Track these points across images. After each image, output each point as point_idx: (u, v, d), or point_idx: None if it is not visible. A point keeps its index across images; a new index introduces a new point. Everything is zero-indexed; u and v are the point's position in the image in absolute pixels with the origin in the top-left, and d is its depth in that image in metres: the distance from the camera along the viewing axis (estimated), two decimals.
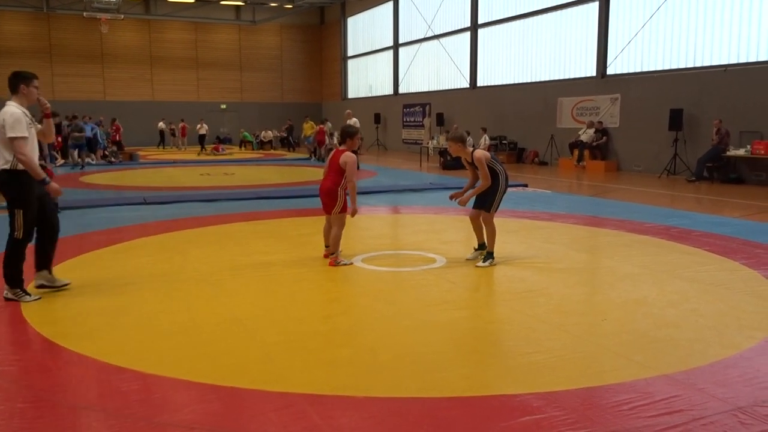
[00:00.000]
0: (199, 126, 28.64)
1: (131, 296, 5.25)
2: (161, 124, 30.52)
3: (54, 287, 5.33)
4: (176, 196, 11.69)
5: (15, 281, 5.06)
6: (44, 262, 5.30)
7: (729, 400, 3.25)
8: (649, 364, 3.74)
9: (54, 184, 5.11)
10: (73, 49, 32.37)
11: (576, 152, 18.21)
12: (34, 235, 5.15)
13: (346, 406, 3.21)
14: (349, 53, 34.99)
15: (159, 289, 5.46)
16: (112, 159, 21.45)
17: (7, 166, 4.86)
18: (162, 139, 30.66)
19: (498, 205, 6.45)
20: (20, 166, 4.87)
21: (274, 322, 4.59)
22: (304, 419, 3.07)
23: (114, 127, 24.75)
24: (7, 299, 5.01)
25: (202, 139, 28.06)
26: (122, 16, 30.29)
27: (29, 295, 5.08)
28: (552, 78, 20.29)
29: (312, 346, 4.08)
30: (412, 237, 8.10)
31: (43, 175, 4.99)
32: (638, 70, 17.18)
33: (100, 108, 29.94)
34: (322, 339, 4.23)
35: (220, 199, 11.48)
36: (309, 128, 25.44)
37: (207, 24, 34.85)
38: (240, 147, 31.46)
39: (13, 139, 4.79)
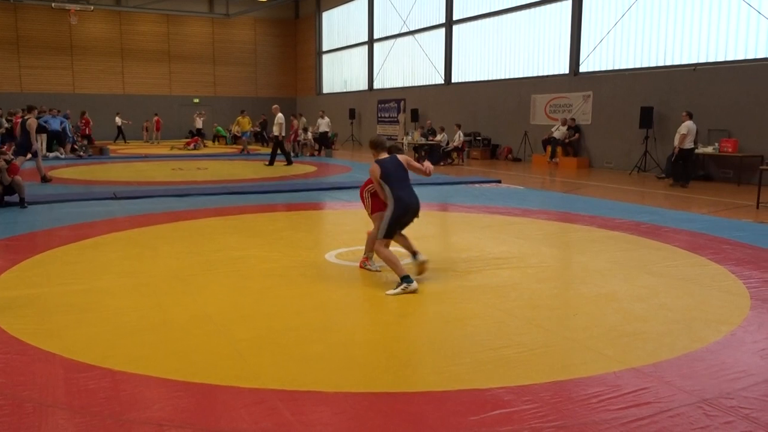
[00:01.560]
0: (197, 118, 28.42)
1: (99, 293, 5.16)
2: (117, 119, 29.87)
3: None
4: (147, 191, 11.53)
5: None
6: None
7: (695, 392, 3.31)
8: (618, 358, 3.79)
9: None
10: (41, 40, 31.64)
11: (549, 149, 18.39)
12: None
13: (317, 402, 3.20)
14: (324, 48, 34.83)
15: (128, 286, 5.38)
16: (82, 153, 21.05)
17: None
18: (120, 134, 29.97)
19: (388, 232, 5.41)
20: None
21: (246, 318, 4.55)
22: (276, 415, 3.05)
23: (83, 121, 24.28)
24: None
25: (198, 133, 27.77)
26: (92, 8, 29.74)
27: None
28: (526, 75, 20.44)
29: (284, 342, 4.05)
30: None
31: None
32: (610, 68, 17.40)
33: (69, 101, 29.38)
34: (294, 335, 4.21)
35: (192, 194, 11.35)
36: (246, 123, 25.21)
37: (179, 16, 34.36)
38: (213, 141, 31.14)
39: None
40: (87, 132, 24.21)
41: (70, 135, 21.34)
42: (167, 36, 34.50)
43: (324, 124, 22.62)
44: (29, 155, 12.48)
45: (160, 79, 34.62)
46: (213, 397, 3.25)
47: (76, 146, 21.34)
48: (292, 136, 21.98)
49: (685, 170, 13.13)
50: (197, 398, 3.23)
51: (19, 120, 15.23)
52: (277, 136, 17.60)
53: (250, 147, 21.01)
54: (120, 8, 32.54)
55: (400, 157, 5.57)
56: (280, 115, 17.63)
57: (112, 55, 33.39)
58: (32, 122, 12.73)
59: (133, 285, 5.39)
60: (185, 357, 3.80)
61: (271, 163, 17.48)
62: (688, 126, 13.01)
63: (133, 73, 33.94)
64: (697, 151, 14.06)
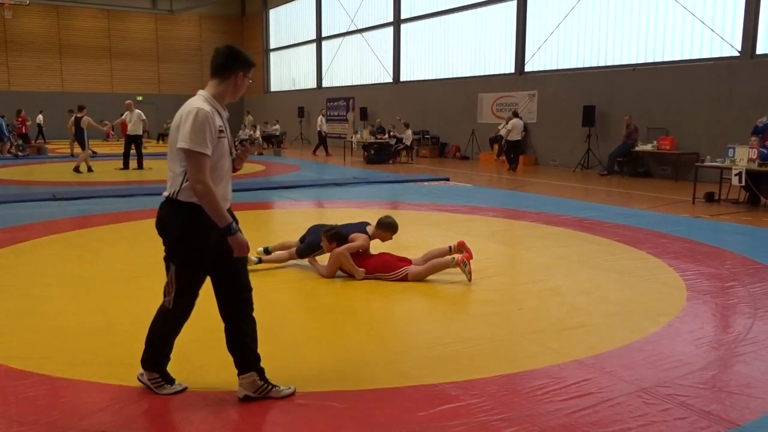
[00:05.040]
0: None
1: (38, 298, 4.98)
2: (40, 117, 28.60)
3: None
4: (88, 192, 11.18)
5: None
6: None
7: (634, 381, 3.42)
8: (562, 351, 3.89)
9: None
10: None
11: (496, 147, 18.68)
12: None
13: (265, 403, 3.17)
14: (272, 45, 34.46)
15: (68, 290, 5.21)
16: (19, 153, 20.26)
17: None
18: (40, 133, 28.66)
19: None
20: None
21: (192, 320, 4.44)
22: (223, 417, 3.02)
23: (20, 119, 23.37)
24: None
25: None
26: (27, 1, 28.60)
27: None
28: (473, 74, 20.71)
29: None
30: None
31: None
32: (554, 67, 17.80)
33: (3, 99, 28.21)
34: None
35: (137, 194, 11.06)
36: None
37: (120, 12, 33.45)
38: (158, 141, 30.43)
39: None
40: (24, 131, 23.32)
41: (7, 134, 20.50)
42: (108, 32, 33.54)
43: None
44: None
45: (101, 77, 33.62)
46: (158, 401, 3.18)
47: (12, 146, 20.50)
48: None
49: (515, 157, 16.59)
50: (141, 403, 3.16)
51: None
52: (140, 135, 15.98)
53: None
54: (57, 2, 31.42)
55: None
56: (138, 112, 15.87)
57: (50, 51, 32.26)
58: None
59: (73, 289, 5.23)
60: (128, 361, 3.69)
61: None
62: (513, 123, 16.51)
63: (73, 71, 32.88)
64: (636, 148, 14.65)
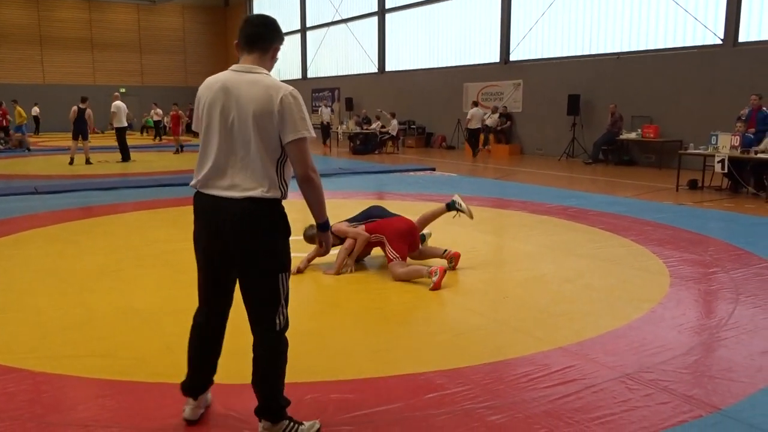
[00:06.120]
0: (152, 112, 27.12)
1: (19, 292, 4.92)
2: (35, 109, 28.49)
3: None
4: (70, 185, 11.05)
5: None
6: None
7: (618, 368, 3.45)
8: (546, 338, 3.91)
9: None
10: None
11: (482, 136, 18.69)
12: None
13: (249, 394, 3.16)
14: None
15: (50, 283, 5.15)
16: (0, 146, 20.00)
17: None
18: (37, 126, 28.66)
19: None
20: None
21: (177, 312, 4.43)
22: (208, 409, 3.00)
23: (0, 112, 23.01)
24: None
25: (157, 126, 26.52)
26: None
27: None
28: (458, 64, 20.68)
29: None
30: None
31: None
32: (539, 56, 17.81)
33: None
34: (227, 327, 4.12)
35: (118, 187, 10.96)
36: (18, 115, 23.73)
37: (102, 2, 33.03)
38: (141, 133, 30.16)
39: None
40: (4, 124, 22.97)
41: None
42: (89, 23, 33.11)
43: None
44: None
45: (83, 68, 33.20)
46: (141, 394, 3.16)
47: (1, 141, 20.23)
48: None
49: (476, 144, 17.72)
50: (124, 396, 3.13)
51: None
52: (119, 128, 15.91)
53: (182, 138, 20.37)
54: None
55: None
56: (116, 103, 15.83)
57: (31, 42, 31.80)
58: None
59: (55, 282, 5.17)
60: (111, 354, 3.67)
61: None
62: (471, 112, 17.64)
63: (54, 62, 32.44)
64: (621, 137, 14.72)
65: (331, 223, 2.99)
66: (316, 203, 2.62)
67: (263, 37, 2.64)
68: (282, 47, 2.76)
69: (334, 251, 5.34)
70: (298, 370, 3.45)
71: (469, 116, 17.72)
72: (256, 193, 2.52)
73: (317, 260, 5.64)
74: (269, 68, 2.65)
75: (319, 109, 23.31)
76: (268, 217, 2.56)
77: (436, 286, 4.93)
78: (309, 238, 5.55)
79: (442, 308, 4.58)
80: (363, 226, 5.65)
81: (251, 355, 2.76)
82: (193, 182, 2.72)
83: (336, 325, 4.25)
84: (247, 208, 2.53)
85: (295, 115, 2.53)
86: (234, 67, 2.65)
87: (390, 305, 4.70)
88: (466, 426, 2.84)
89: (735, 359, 3.57)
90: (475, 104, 18.16)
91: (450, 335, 3.98)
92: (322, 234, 2.74)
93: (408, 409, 3.00)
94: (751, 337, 3.90)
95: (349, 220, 5.82)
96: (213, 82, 2.65)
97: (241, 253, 2.58)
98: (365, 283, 5.26)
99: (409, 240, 5.46)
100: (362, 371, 3.44)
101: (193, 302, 4.08)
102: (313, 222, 2.73)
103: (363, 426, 2.85)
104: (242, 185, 2.54)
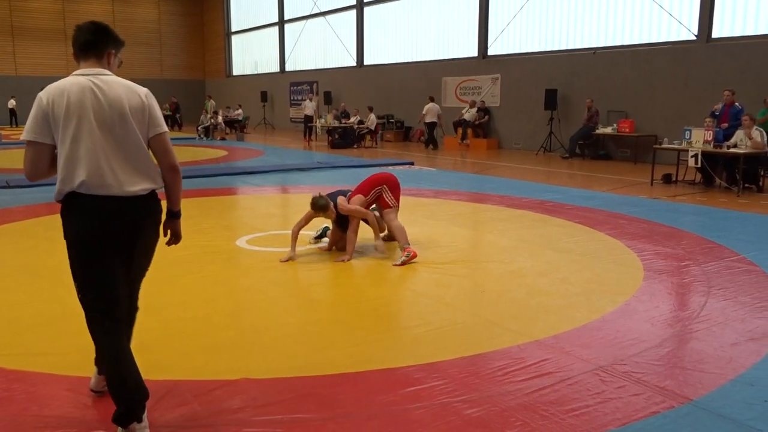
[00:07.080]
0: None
1: None
2: (12, 102, 28.08)
3: None
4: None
5: None
6: None
7: (592, 360, 3.50)
8: (522, 332, 3.95)
9: None
10: None
11: (460, 131, 18.76)
12: None
13: (228, 391, 3.15)
14: (233, 28, 33.87)
15: (23, 279, 5.07)
16: None
17: None
18: (14, 119, 28.23)
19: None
20: None
21: (152, 308, 4.38)
22: (184, 406, 2.98)
23: None
24: None
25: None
26: None
27: None
28: (436, 58, 20.70)
29: (191, 331, 3.95)
30: (298, 216, 8.01)
31: None
32: (517, 51, 17.90)
33: None
34: (203, 323, 4.11)
35: None
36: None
37: None
38: None
39: None
40: None
41: None
42: (63, 14, 32.46)
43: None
44: None
45: (56, 60, 32.54)
46: None
47: None
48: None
49: (430, 137, 18.42)
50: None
51: None
52: None
53: None
54: None
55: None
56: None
57: (2, 33, 31.11)
58: None
59: (27, 278, 5.09)
60: (85, 351, 3.60)
61: None
62: (427, 107, 18.36)
63: (27, 54, 31.77)
64: (597, 131, 14.89)
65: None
66: (179, 191, 2.85)
67: (94, 44, 2.77)
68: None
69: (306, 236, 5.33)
70: (275, 364, 3.45)
71: (424, 111, 18.42)
72: (148, 185, 2.70)
73: (317, 253, 5.63)
74: (113, 72, 2.79)
75: (303, 102, 23.07)
76: (159, 206, 2.79)
77: (400, 264, 5.44)
78: (321, 207, 5.69)
79: (418, 302, 4.60)
80: (360, 196, 5.82)
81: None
82: (68, 188, 2.69)
83: (313, 319, 4.24)
84: (144, 203, 2.70)
85: (157, 111, 2.76)
86: (81, 71, 2.72)
87: (367, 300, 4.71)
88: (442, 420, 2.86)
89: (706, 351, 3.64)
90: (432, 99, 18.75)
91: (427, 329, 4.00)
92: (176, 222, 2.92)
93: (385, 403, 3.02)
94: (722, 329, 3.97)
95: (330, 195, 5.86)
96: (67, 86, 2.64)
97: (139, 242, 2.76)
98: (342, 277, 5.26)
99: (399, 190, 6.11)
100: (339, 366, 3.44)
101: (168, 298, 4.05)
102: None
103: (341, 420, 2.86)
104: (132, 180, 2.64)
